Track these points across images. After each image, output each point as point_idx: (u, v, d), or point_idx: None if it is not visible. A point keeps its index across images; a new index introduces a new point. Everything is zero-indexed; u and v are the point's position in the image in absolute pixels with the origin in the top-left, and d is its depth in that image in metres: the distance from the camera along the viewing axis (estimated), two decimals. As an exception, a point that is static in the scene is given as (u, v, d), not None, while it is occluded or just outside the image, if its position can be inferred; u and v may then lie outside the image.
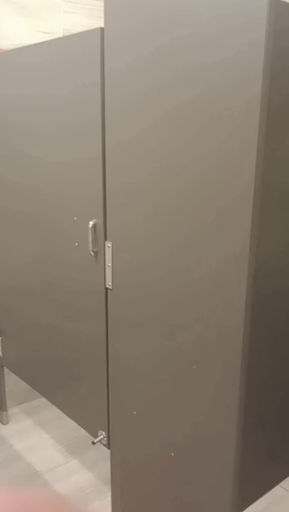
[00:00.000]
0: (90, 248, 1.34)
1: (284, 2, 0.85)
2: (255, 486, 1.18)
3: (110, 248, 1.29)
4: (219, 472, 1.13)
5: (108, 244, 1.29)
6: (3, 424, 2.12)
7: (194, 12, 0.94)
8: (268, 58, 0.85)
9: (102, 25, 1.17)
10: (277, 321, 1.08)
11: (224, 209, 0.98)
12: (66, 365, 1.59)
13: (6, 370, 2.06)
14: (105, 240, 1.30)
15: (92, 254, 1.35)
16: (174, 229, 1.10)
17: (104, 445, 1.50)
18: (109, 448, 1.48)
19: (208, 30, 0.93)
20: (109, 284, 1.32)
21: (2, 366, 2.05)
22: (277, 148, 0.93)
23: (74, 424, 1.66)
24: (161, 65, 1.04)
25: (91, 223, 1.31)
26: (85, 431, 1.92)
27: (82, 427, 1.59)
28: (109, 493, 1.58)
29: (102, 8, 1.17)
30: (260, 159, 0.90)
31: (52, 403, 1.73)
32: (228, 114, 0.93)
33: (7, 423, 2.13)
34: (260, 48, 0.85)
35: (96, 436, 1.51)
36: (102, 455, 1.92)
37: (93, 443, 1.49)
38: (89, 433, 1.55)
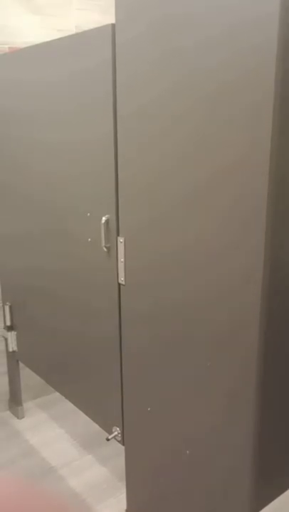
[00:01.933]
0: (103, 244, 1.33)
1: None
2: (272, 485, 1.17)
3: (123, 244, 1.28)
4: (235, 471, 1.11)
5: (121, 239, 1.29)
6: (18, 418, 2.14)
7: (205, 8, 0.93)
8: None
9: (114, 21, 1.17)
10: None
11: (239, 200, 0.97)
12: (80, 360, 1.59)
13: (21, 364, 2.08)
14: (118, 235, 1.30)
15: (105, 249, 1.34)
16: (186, 223, 1.09)
17: (118, 441, 1.50)
18: (123, 444, 1.48)
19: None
20: (121, 279, 1.31)
21: (17, 361, 2.07)
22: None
23: (88, 418, 1.67)
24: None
25: (104, 219, 1.31)
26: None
27: (96, 423, 1.59)
28: (124, 490, 1.58)
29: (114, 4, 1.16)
30: (274, 143, 0.89)
31: (66, 398, 1.74)
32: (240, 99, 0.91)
33: (22, 417, 2.15)
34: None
35: (110, 433, 1.51)
36: (117, 450, 1.92)
37: (107, 439, 1.49)
38: (103, 429, 1.55)
